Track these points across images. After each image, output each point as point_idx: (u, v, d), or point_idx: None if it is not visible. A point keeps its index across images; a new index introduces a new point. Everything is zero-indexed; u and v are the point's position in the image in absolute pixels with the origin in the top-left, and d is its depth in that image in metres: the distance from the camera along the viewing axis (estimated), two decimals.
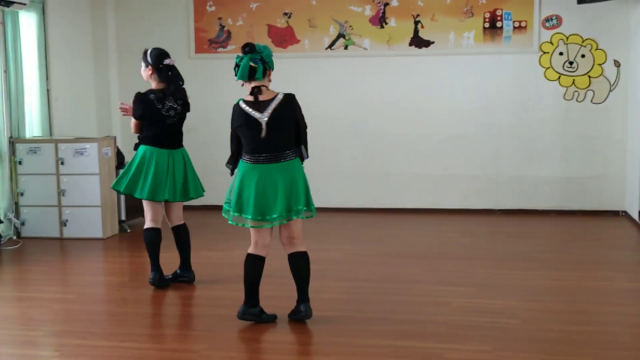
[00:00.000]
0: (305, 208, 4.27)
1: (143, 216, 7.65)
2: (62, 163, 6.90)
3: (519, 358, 3.80)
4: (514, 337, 4.12)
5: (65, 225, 6.96)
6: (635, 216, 7.26)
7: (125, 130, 8.67)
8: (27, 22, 7.22)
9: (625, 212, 7.72)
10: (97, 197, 6.89)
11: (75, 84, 7.96)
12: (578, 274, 5.51)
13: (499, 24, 7.81)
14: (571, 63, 7.74)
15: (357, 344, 4.06)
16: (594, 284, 5.26)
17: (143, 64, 5.29)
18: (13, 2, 6.58)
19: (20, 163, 6.95)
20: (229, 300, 4.92)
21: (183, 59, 8.46)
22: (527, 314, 4.52)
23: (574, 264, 5.83)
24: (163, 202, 5.23)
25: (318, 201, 8.38)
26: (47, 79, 7.48)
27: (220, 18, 8.33)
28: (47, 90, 7.49)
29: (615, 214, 7.78)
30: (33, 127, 7.33)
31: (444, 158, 8.00)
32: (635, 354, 3.86)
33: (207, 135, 8.12)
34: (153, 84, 5.29)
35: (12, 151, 6.96)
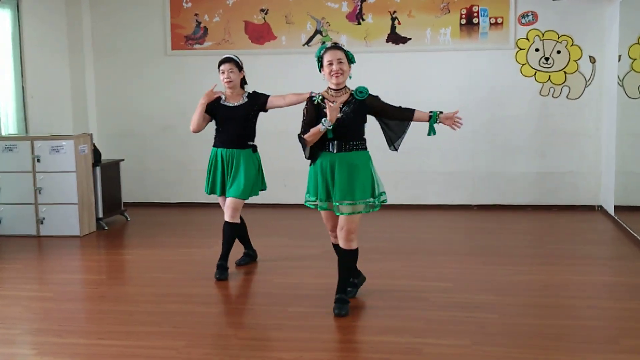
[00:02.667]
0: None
1: (121, 214, 7.68)
2: (38, 160, 6.84)
3: (497, 352, 3.84)
4: (492, 331, 4.15)
5: (42, 223, 6.90)
6: (611, 211, 7.35)
7: (102, 127, 8.64)
8: (2, 18, 7.15)
9: (600, 206, 7.82)
10: (74, 194, 6.85)
11: (50, 81, 7.89)
12: (554, 268, 5.57)
13: (475, 20, 7.86)
14: (547, 59, 7.81)
15: (336, 339, 4.08)
16: (570, 278, 5.32)
17: (237, 68, 5.38)
18: None
19: None
20: (207, 297, 4.92)
21: (159, 56, 8.43)
22: (504, 309, 4.56)
23: (550, 258, 5.89)
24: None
25: (298, 198, 8.42)
26: (22, 76, 7.41)
27: (196, 14, 8.29)
28: (23, 87, 7.43)
29: (590, 208, 7.88)
30: (9, 124, 7.26)
31: (421, 154, 8.04)
32: (610, 347, 3.91)
33: (184, 132, 8.07)
34: (234, 91, 5.41)
35: None
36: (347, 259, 4.47)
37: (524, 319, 4.40)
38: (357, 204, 4.34)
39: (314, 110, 4.41)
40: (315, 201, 4.49)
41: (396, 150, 4.69)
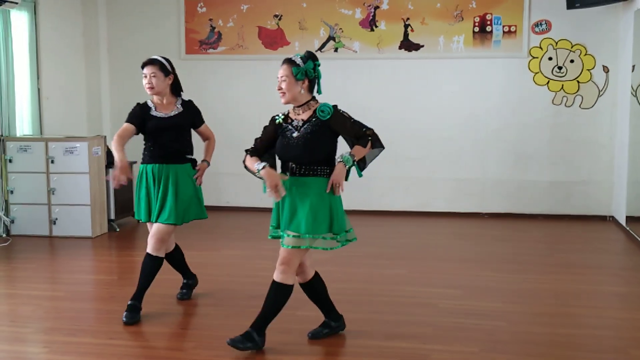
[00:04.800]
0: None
1: (132, 216, 7.71)
2: (52, 162, 6.90)
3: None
4: (500, 339, 4.15)
5: (54, 223, 6.96)
6: (622, 221, 7.32)
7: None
8: (19, 20, 7.22)
9: (612, 217, 7.79)
10: (86, 195, 6.90)
11: (66, 83, 7.96)
12: (564, 277, 5.56)
13: (488, 28, 7.87)
14: (560, 68, 7.81)
15: (344, 344, 4.09)
16: (580, 287, 5.31)
17: (162, 73, 4.64)
18: (5, 1, 6.58)
19: (10, 161, 6.95)
20: (216, 299, 4.94)
21: (173, 60, 8.40)
22: (514, 317, 4.56)
23: (561, 267, 5.88)
24: None
25: None
26: (38, 77, 7.48)
27: (210, 19, 8.35)
28: (38, 89, 7.49)
29: (602, 218, 7.85)
30: (23, 125, 7.33)
31: (432, 161, 8.05)
32: (619, 357, 3.90)
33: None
34: (161, 99, 4.69)
35: (3, 149, 6.95)
36: (274, 293, 3.91)
37: (533, 327, 4.39)
38: (301, 238, 3.80)
39: (272, 131, 3.97)
40: (272, 230, 4.05)
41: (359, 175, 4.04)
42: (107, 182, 4.70)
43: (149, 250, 4.52)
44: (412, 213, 8.06)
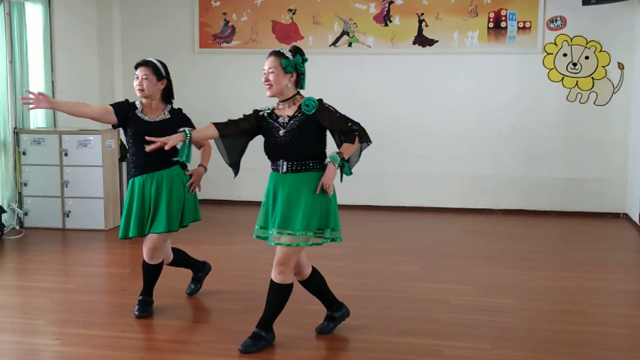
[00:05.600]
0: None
1: None
2: (65, 154, 6.93)
3: (518, 356, 3.82)
4: (513, 336, 4.14)
5: (67, 216, 6.99)
6: (636, 219, 7.27)
7: None
8: (33, 13, 7.24)
9: (625, 214, 7.74)
10: (99, 189, 6.93)
11: (80, 76, 7.99)
12: (577, 274, 5.53)
13: (503, 24, 7.82)
14: (575, 64, 7.75)
15: (356, 339, 4.09)
16: (594, 285, 5.28)
17: (154, 76, 4.39)
18: None
19: (24, 154, 6.98)
20: (228, 293, 4.95)
21: (187, 54, 8.49)
22: (526, 314, 4.54)
23: (574, 265, 5.85)
24: None
25: None
26: (52, 70, 7.51)
27: (224, 13, 8.35)
28: (52, 81, 7.52)
29: (615, 216, 7.80)
30: (37, 118, 7.36)
31: (445, 157, 8.02)
32: (633, 355, 3.88)
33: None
34: (150, 102, 4.46)
35: (17, 142, 6.99)
36: (274, 294, 3.87)
37: (545, 324, 4.37)
38: (296, 235, 3.73)
39: (254, 120, 3.89)
40: (259, 230, 3.93)
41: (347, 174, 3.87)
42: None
43: (146, 259, 4.46)
44: (425, 209, 8.04)
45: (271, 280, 3.88)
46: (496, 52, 7.86)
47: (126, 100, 4.55)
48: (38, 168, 6.99)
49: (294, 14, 8.21)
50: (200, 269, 4.98)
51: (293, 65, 3.83)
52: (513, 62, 7.86)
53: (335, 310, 4.19)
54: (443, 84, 8.01)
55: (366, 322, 4.31)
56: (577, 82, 7.77)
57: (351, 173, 3.86)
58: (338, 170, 3.78)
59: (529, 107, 7.88)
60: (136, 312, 4.45)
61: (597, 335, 4.22)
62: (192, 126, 4.35)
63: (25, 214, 7.04)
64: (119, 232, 4.46)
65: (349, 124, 3.84)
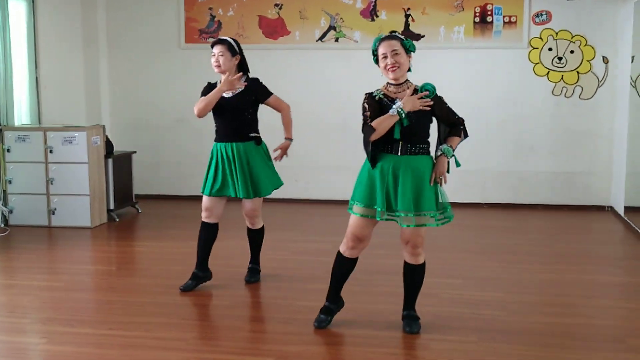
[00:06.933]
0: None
1: (132, 206, 7.72)
2: (50, 151, 6.89)
3: (504, 349, 3.84)
4: (499, 328, 4.16)
5: (53, 213, 6.95)
6: (621, 211, 7.33)
7: (115, 119, 8.68)
8: (17, 10, 7.18)
9: (611, 207, 7.79)
10: (85, 185, 6.89)
11: (64, 72, 7.92)
12: (564, 267, 5.56)
13: (489, 19, 7.84)
14: (560, 59, 7.79)
15: (344, 334, 4.09)
16: (579, 277, 5.32)
17: (229, 53, 4.75)
18: None
19: (8, 151, 6.93)
20: (216, 289, 4.94)
21: (173, 49, 8.46)
22: (513, 306, 4.56)
23: (560, 257, 5.89)
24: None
25: (308, 194, 8.47)
26: (36, 67, 7.45)
27: (210, 8, 8.31)
28: (36, 78, 7.46)
29: (601, 209, 7.85)
30: (22, 115, 7.30)
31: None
32: (617, 346, 3.90)
33: (196, 125, 8.08)
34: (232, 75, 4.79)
35: (1, 139, 6.93)
36: (416, 275, 4.06)
37: (532, 317, 4.40)
38: (424, 216, 3.87)
39: (376, 104, 3.90)
40: (368, 208, 3.92)
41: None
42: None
43: (248, 225, 5.05)
44: None
45: (409, 265, 4.03)
46: (482, 46, 7.88)
47: (208, 83, 4.92)
48: (23, 165, 6.94)
49: (280, 9, 8.19)
50: (201, 274, 4.97)
51: (413, 46, 3.92)
52: (499, 57, 7.88)
53: (334, 303, 4.25)
54: (429, 79, 7.91)
55: (354, 317, 4.32)
56: (562, 76, 7.81)
57: (460, 165, 4.14)
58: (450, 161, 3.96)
59: (516, 101, 7.91)
60: (246, 278, 5.06)
61: (583, 327, 4.24)
62: (267, 93, 4.85)
63: (10, 211, 6.99)
64: (202, 188, 4.87)
65: (456, 117, 4.04)
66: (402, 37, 3.91)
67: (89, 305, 4.74)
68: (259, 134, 4.88)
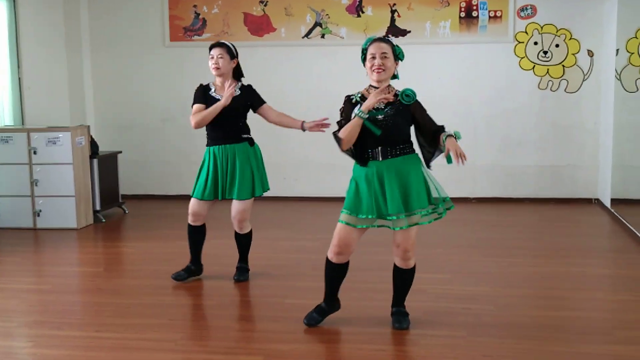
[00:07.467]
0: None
1: (118, 206, 7.67)
2: (34, 152, 6.82)
3: (493, 343, 3.84)
4: (488, 322, 4.16)
5: (38, 215, 6.89)
6: (608, 204, 7.36)
7: (99, 119, 8.62)
8: None
9: (597, 199, 7.82)
10: (70, 186, 6.83)
11: (47, 73, 7.86)
12: (552, 260, 5.58)
13: (474, 14, 7.84)
14: (545, 52, 7.80)
15: (334, 331, 4.08)
16: (568, 270, 5.33)
17: (228, 55, 4.85)
18: None
19: None
20: (204, 289, 4.92)
21: (158, 47, 8.41)
22: (502, 300, 4.56)
23: (548, 251, 5.90)
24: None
25: (297, 191, 8.44)
26: (18, 67, 7.38)
27: (195, 6, 8.27)
28: (19, 78, 7.39)
29: (588, 201, 7.88)
30: (5, 116, 7.24)
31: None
32: (605, 338, 3.92)
33: (182, 124, 8.05)
34: (223, 81, 4.87)
35: None
36: (406, 278, 4.06)
37: (520, 310, 4.40)
38: (413, 215, 3.84)
39: (350, 109, 3.93)
40: (354, 217, 3.91)
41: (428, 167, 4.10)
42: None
43: (236, 229, 5.01)
44: None
45: (398, 269, 4.03)
46: (468, 41, 7.89)
47: (200, 85, 4.93)
48: (6, 167, 6.87)
49: (265, 5, 8.15)
50: (194, 267, 5.11)
51: (402, 54, 3.95)
52: (485, 52, 7.89)
53: (331, 306, 4.22)
54: (416, 75, 7.97)
55: (343, 314, 4.30)
56: (548, 70, 7.82)
57: (451, 162, 3.94)
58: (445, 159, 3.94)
59: (502, 95, 7.92)
60: (235, 277, 5.04)
61: (572, 320, 4.25)
62: (260, 100, 4.93)
63: None
64: (192, 191, 4.93)
65: (437, 124, 3.97)
66: (394, 43, 3.95)
67: (77, 307, 4.69)
68: (250, 136, 4.96)
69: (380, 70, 3.86)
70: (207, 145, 4.92)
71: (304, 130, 4.81)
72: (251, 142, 4.94)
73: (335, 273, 4.09)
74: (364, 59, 3.97)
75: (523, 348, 3.77)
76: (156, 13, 8.36)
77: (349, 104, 3.97)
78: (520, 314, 4.32)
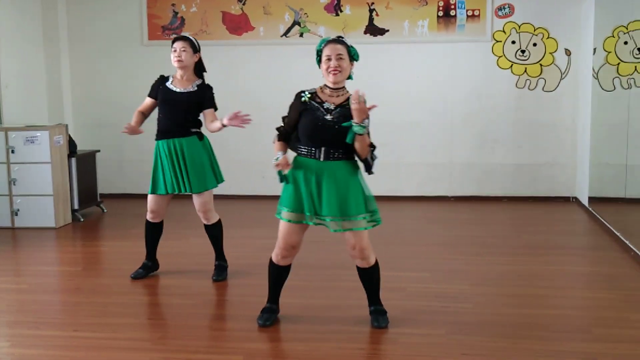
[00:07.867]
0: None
1: (97, 205, 7.62)
2: (12, 151, 6.76)
3: (472, 341, 3.87)
4: (467, 321, 4.19)
5: (16, 214, 6.83)
6: (585, 202, 7.43)
7: (78, 117, 8.56)
8: None
9: (575, 198, 7.90)
10: (49, 186, 6.78)
11: (25, 71, 7.78)
12: (530, 258, 5.62)
13: (452, 13, 7.88)
14: (523, 51, 7.86)
15: (313, 330, 4.08)
16: (545, 268, 5.38)
17: (191, 49, 4.87)
18: None
19: None
20: (183, 289, 4.90)
21: (136, 46, 8.36)
22: (480, 299, 4.60)
23: (526, 249, 5.95)
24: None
25: (277, 190, 8.40)
26: None
27: (173, 4, 8.23)
28: None
29: (565, 199, 7.96)
30: None
31: (398, 146, 8.07)
32: (583, 336, 3.96)
33: None
34: (184, 74, 4.93)
35: None
36: (371, 276, 4.09)
37: (499, 308, 4.44)
38: (353, 220, 3.85)
39: (297, 108, 3.92)
40: (296, 213, 3.89)
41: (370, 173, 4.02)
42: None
43: (204, 221, 5.03)
44: (381, 198, 8.02)
45: (361, 269, 4.06)
46: (446, 40, 7.93)
47: (160, 76, 5.02)
48: None
49: (244, 4, 8.14)
50: (150, 263, 5.21)
51: (357, 55, 3.93)
52: (463, 50, 7.93)
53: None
54: (394, 73, 8.04)
55: (322, 312, 4.32)
56: (525, 69, 7.89)
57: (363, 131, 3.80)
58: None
59: (480, 94, 7.97)
60: (213, 277, 5.03)
61: (550, 317, 4.29)
62: (210, 104, 4.87)
63: None
64: (150, 189, 4.98)
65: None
66: (349, 44, 3.93)
67: (55, 307, 4.66)
68: (200, 130, 4.95)
69: (336, 72, 3.85)
70: (155, 139, 4.95)
71: (224, 125, 4.64)
72: (200, 136, 4.92)
73: (281, 275, 4.14)
74: (319, 61, 3.95)
75: (501, 346, 3.80)
76: (134, 11, 8.31)
77: (298, 101, 3.95)
78: (498, 312, 4.36)
